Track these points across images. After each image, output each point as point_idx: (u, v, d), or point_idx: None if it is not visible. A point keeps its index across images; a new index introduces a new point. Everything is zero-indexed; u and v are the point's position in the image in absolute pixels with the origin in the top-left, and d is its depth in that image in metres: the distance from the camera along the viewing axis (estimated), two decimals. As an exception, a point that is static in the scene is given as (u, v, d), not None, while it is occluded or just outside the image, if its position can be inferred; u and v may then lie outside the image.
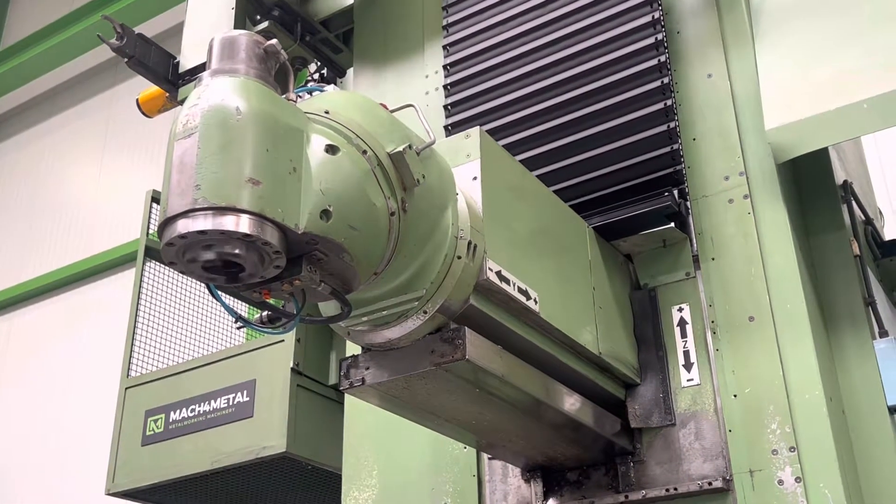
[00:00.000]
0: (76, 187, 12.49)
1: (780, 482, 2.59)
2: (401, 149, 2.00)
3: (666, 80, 3.06)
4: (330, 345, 4.64)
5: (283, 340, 4.40)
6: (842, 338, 2.96)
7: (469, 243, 2.15)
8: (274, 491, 4.75)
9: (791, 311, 2.78)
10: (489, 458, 3.08)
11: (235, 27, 3.92)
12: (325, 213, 1.81)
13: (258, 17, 4.05)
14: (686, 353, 2.89)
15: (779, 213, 2.92)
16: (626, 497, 2.78)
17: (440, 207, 2.13)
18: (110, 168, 12.13)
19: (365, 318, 2.18)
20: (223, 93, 1.80)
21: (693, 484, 2.69)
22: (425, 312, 2.12)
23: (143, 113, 4.23)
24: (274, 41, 1.94)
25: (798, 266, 2.83)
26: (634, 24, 3.16)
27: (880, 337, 2.96)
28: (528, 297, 2.35)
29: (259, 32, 3.72)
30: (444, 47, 3.62)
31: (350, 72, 4.51)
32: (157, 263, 5.23)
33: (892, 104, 2.67)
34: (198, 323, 5.35)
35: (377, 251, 1.97)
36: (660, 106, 3.03)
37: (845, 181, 3.34)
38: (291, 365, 4.33)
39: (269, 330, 2.05)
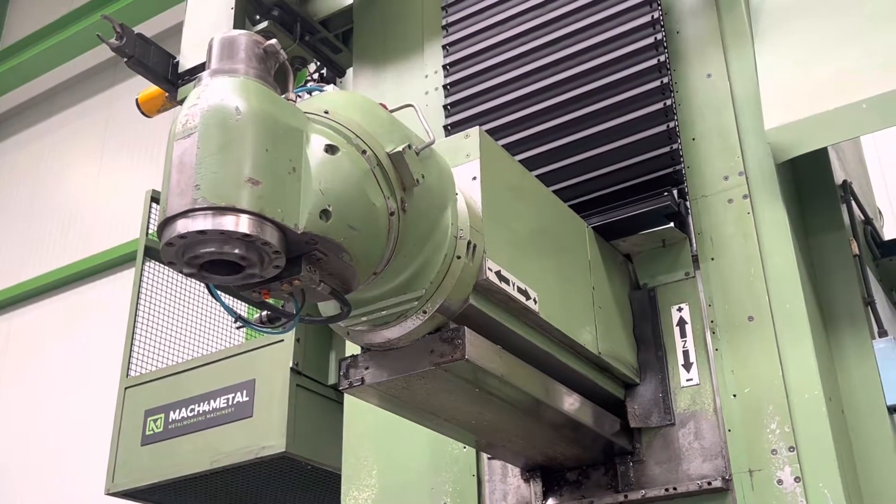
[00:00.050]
0: (75, 187, 12.49)
1: (780, 482, 2.60)
2: (400, 149, 2.00)
3: (665, 79, 3.06)
4: (329, 345, 4.64)
5: (282, 340, 4.41)
6: (841, 337, 2.96)
7: (468, 243, 2.15)
8: (273, 491, 4.75)
9: (790, 310, 2.78)
10: (489, 458, 3.08)
11: (235, 27, 3.92)
12: (325, 213, 1.82)
13: (258, 16, 4.05)
14: (685, 353, 2.89)
15: (778, 213, 2.92)
16: (626, 497, 2.78)
17: (440, 207, 2.13)
18: (110, 168, 12.13)
19: (364, 318, 2.18)
20: (223, 93, 1.80)
21: (692, 484, 2.69)
22: (425, 312, 2.12)
23: (143, 113, 4.23)
24: (273, 41, 1.94)
25: (797, 266, 2.83)
26: (634, 24, 3.16)
27: (879, 337, 2.96)
28: (528, 297, 2.35)
29: (258, 32, 3.73)
30: (444, 47, 3.62)
31: (349, 72, 4.51)
32: (157, 263, 5.23)
33: (891, 104, 2.67)
34: (197, 323, 5.35)
35: (377, 251, 1.97)
36: (659, 106, 3.03)
37: (845, 181, 3.34)
38: (291, 365, 4.33)
39: (269, 330, 2.05)
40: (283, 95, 1.94)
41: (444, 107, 3.49)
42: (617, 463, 2.85)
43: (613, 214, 2.99)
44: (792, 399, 2.67)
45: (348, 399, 3.43)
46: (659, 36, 3.11)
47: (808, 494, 2.54)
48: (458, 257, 2.12)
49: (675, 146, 3.00)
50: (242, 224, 1.70)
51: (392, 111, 2.15)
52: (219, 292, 2.03)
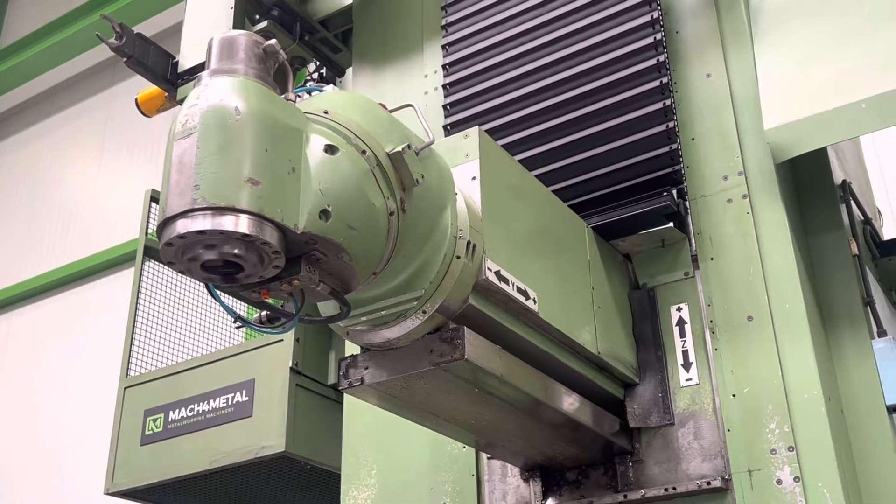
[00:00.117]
0: (75, 187, 12.48)
1: (779, 482, 2.60)
2: (400, 149, 2.00)
3: (665, 79, 3.06)
4: (329, 344, 4.64)
5: (282, 340, 4.41)
6: (840, 337, 2.96)
7: (468, 243, 2.15)
8: (273, 490, 4.75)
9: (790, 310, 2.78)
10: (488, 458, 3.08)
11: (234, 27, 3.92)
12: (324, 213, 1.82)
13: (257, 16, 4.05)
14: (685, 353, 2.89)
15: (777, 213, 2.92)
16: (625, 497, 2.78)
17: (439, 207, 2.14)
18: (109, 167, 12.12)
19: (364, 318, 2.18)
20: (222, 93, 1.80)
21: (692, 483, 2.69)
22: (424, 312, 2.12)
23: (142, 112, 4.23)
24: (273, 41, 1.94)
25: (797, 266, 2.83)
26: (633, 24, 3.16)
27: (879, 336, 2.96)
28: (527, 297, 2.35)
29: (258, 32, 3.73)
30: (443, 47, 3.62)
31: (349, 71, 4.51)
32: (156, 263, 5.24)
33: (890, 104, 2.67)
34: (197, 322, 5.35)
35: (376, 251, 1.97)
36: (659, 106, 3.03)
37: (844, 181, 3.34)
38: (290, 364, 4.33)
39: (268, 330, 2.05)
40: (283, 95, 1.94)
41: (444, 107, 3.49)
42: (616, 463, 2.85)
43: (613, 214, 2.99)
44: (791, 399, 2.67)
45: (348, 399, 3.43)
46: (658, 36, 3.11)
47: (807, 494, 2.54)
48: (458, 257, 2.12)
49: (674, 146, 3.00)
50: (242, 224, 1.70)
51: (391, 111, 2.15)
52: (218, 292, 2.03)
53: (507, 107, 3.31)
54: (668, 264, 3.03)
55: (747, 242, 2.92)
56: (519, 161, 2.88)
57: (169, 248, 1.74)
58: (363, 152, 1.96)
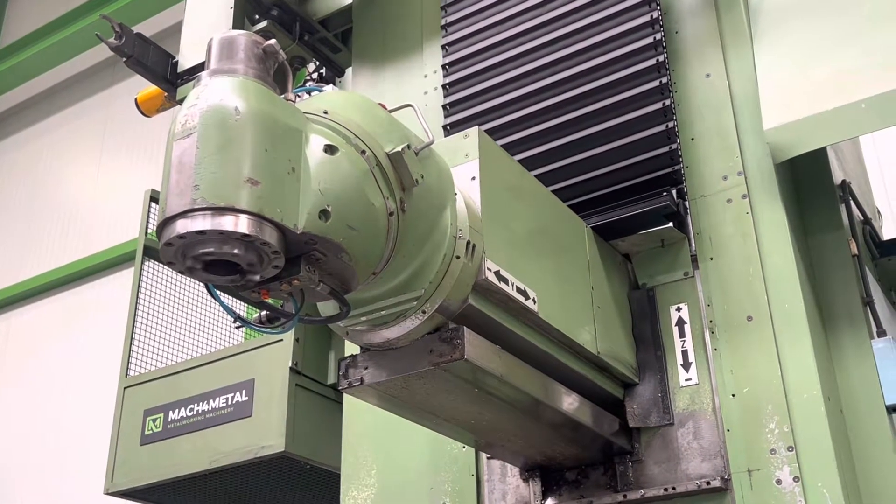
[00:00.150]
0: (74, 187, 12.48)
1: (779, 482, 2.60)
2: (399, 149, 2.01)
3: (664, 79, 3.06)
4: (328, 344, 4.64)
5: (281, 340, 4.41)
6: (840, 337, 2.97)
7: (468, 243, 2.15)
8: (272, 490, 4.76)
9: (789, 310, 2.78)
10: (488, 458, 3.08)
11: (234, 27, 3.92)
12: (324, 213, 1.82)
13: (257, 16, 4.05)
14: (684, 353, 2.89)
15: (777, 213, 2.92)
16: (625, 496, 2.78)
17: (439, 207, 2.14)
18: (109, 167, 12.12)
19: (364, 318, 2.18)
20: (222, 93, 1.80)
21: (691, 483, 2.69)
22: (424, 312, 2.12)
23: (142, 112, 4.23)
24: (273, 41, 1.94)
25: (796, 266, 2.83)
26: (633, 24, 3.16)
27: (878, 336, 2.96)
28: (527, 297, 2.35)
29: (258, 32, 3.74)
30: (443, 47, 3.62)
31: (349, 71, 4.51)
32: (156, 263, 5.23)
33: (890, 104, 2.67)
34: (196, 322, 5.35)
35: (376, 251, 1.97)
36: (658, 106, 3.03)
37: (843, 181, 3.34)
38: (290, 364, 4.34)
39: (268, 330, 2.05)
40: (283, 95, 1.95)
41: (444, 107, 3.49)
42: (616, 462, 2.85)
43: (612, 214, 2.99)
44: (791, 399, 2.67)
45: (347, 399, 3.43)
46: (658, 36, 3.12)
47: (806, 494, 2.54)
48: (458, 257, 2.12)
49: (673, 146, 3.00)
50: (241, 224, 1.70)
51: (391, 111, 2.15)
52: (218, 292, 2.03)
53: (507, 107, 3.31)
54: (668, 264, 3.03)
55: (747, 242, 2.92)
56: (519, 161, 2.88)
57: (169, 248, 1.74)
58: (363, 152, 1.96)
